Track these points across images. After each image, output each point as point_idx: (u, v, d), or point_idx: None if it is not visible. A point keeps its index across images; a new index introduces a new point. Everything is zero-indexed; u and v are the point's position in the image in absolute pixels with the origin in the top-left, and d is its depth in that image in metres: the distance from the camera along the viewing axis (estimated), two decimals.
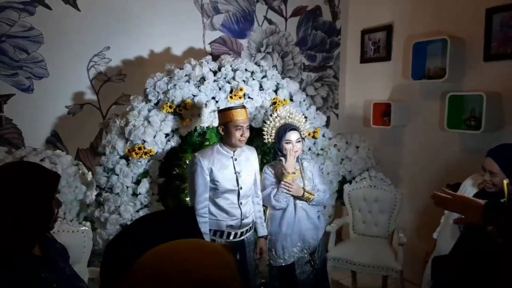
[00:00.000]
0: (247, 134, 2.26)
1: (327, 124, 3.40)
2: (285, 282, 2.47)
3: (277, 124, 2.47)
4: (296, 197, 2.41)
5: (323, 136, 3.13)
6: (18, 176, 1.16)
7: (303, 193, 2.38)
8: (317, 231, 2.48)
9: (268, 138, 2.51)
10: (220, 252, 0.71)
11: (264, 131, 2.51)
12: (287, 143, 2.37)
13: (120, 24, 2.93)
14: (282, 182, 2.34)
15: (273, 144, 2.50)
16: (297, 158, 2.43)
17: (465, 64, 2.83)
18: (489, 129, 2.60)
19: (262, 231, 2.46)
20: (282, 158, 2.37)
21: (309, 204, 2.43)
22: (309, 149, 3.04)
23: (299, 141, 2.38)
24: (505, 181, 1.41)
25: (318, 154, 3.11)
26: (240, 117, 2.22)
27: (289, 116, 2.49)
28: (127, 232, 1.06)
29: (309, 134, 3.02)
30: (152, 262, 0.67)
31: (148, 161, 2.56)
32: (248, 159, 2.37)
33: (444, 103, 2.86)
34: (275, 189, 2.38)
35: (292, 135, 2.37)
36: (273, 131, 2.48)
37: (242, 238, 2.34)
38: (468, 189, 2.15)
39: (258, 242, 2.46)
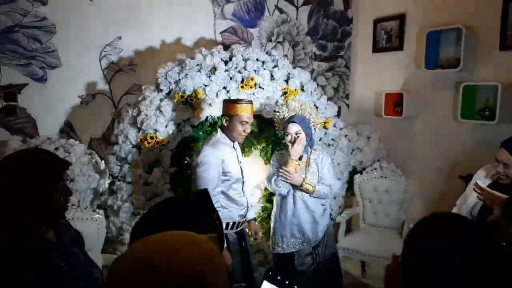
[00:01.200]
0: (249, 129, 2.26)
1: (338, 115, 3.39)
2: (282, 270, 2.48)
3: (286, 115, 2.46)
4: (295, 187, 2.39)
5: (334, 126, 3.11)
6: (27, 162, 1.18)
7: (302, 183, 2.35)
8: (316, 225, 2.43)
9: (277, 129, 2.53)
10: (206, 243, 0.71)
11: (275, 122, 2.52)
12: (286, 135, 2.37)
13: (132, 14, 2.94)
14: (281, 169, 2.34)
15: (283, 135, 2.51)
16: (308, 148, 2.42)
17: (480, 54, 2.78)
18: (503, 120, 2.56)
19: (251, 214, 2.51)
20: (289, 144, 2.37)
21: (310, 196, 2.39)
22: (320, 139, 3.03)
23: (300, 133, 2.35)
24: None
25: (329, 145, 3.10)
26: (247, 112, 2.20)
27: (299, 107, 2.48)
28: (153, 213, 1.08)
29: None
30: (138, 254, 0.67)
31: (160, 150, 2.58)
32: (238, 148, 2.39)
33: (457, 94, 2.82)
34: (275, 175, 2.40)
35: (291, 128, 2.35)
36: (281, 122, 2.49)
37: (242, 226, 2.38)
38: (480, 181, 2.11)
39: (249, 225, 2.50)
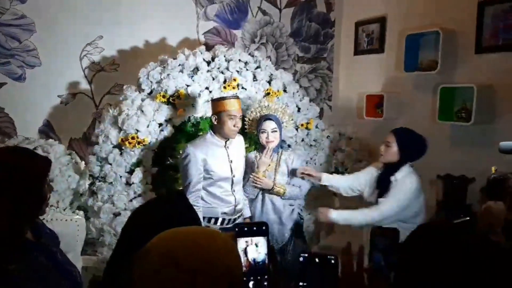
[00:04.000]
0: (239, 124, 2.29)
1: (320, 116, 3.42)
2: None
3: (258, 115, 2.48)
4: (265, 190, 2.41)
5: (316, 127, 3.15)
6: (9, 161, 1.16)
7: (273, 186, 2.37)
8: (282, 226, 2.44)
9: (248, 128, 2.53)
10: (227, 239, 0.72)
11: (245, 121, 2.53)
12: (262, 132, 2.39)
13: (113, 13, 2.91)
14: (251, 176, 2.36)
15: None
16: (279, 148, 2.45)
17: (457, 57, 2.85)
18: (479, 121, 2.62)
19: (247, 212, 2.50)
20: (257, 155, 2.41)
21: (282, 198, 2.41)
22: (302, 140, 3.06)
23: (275, 131, 2.38)
24: (494, 168, 1.48)
25: (311, 145, 3.14)
26: (234, 107, 2.24)
27: (281, 109, 2.51)
28: (139, 213, 1.08)
29: (302, 125, 3.04)
30: (165, 247, 0.68)
31: (142, 150, 2.56)
32: (237, 146, 2.41)
33: (436, 95, 2.89)
34: (245, 180, 2.42)
35: (268, 125, 2.37)
36: (253, 121, 2.51)
37: (231, 224, 2.37)
38: (373, 175, 2.41)
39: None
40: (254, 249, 0.75)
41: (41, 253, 1.21)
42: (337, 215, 2.24)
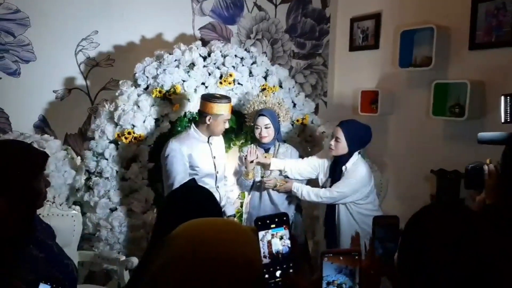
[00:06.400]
0: (228, 125, 2.36)
1: (316, 112, 3.44)
2: None
3: (256, 108, 2.51)
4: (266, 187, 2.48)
5: (312, 123, 3.16)
6: (4, 154, 1.16)
7: (276, 184, 2.45)
8: None
9: (249, 122, 2.59)
10: (248, 231, 0.73)
11: (246, 114, 2.59)
12: (256, 128, 2.43)
13: (109, 8, 2.90)
14: (263, 181, 2.43)
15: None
16: (275, 141, 2.51)
17: (451, 53, 2.88)
18: (472, 116, 2.66)
19: (231, 210, 2.56)
20: (259, 137, 2.46)
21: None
22: (298, 135, 3.08)
23: (268, 127, 2.41)
24: (489, 160, 1.50)
25: (306, 141, 3.16)
26: (229, 111, 2.30)
27: (277, 104, 2.53)
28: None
29: (297, 121, 3.06)
30: (186, 236, 0.69)
31: (138, 146, 2.56)
32: (218, 144, 2.44)
33: (430, 91, 2.92)
34: (239, 174, 2.50)
35: (261, 121, 2.41)
36: (251, 115, 2.57)
37: None
38: (325, 164, 2.56)
39: None
40: (278, 241, 0.75)
41: (36, 246, 1.22)
42: (297, 187, 2.43)
